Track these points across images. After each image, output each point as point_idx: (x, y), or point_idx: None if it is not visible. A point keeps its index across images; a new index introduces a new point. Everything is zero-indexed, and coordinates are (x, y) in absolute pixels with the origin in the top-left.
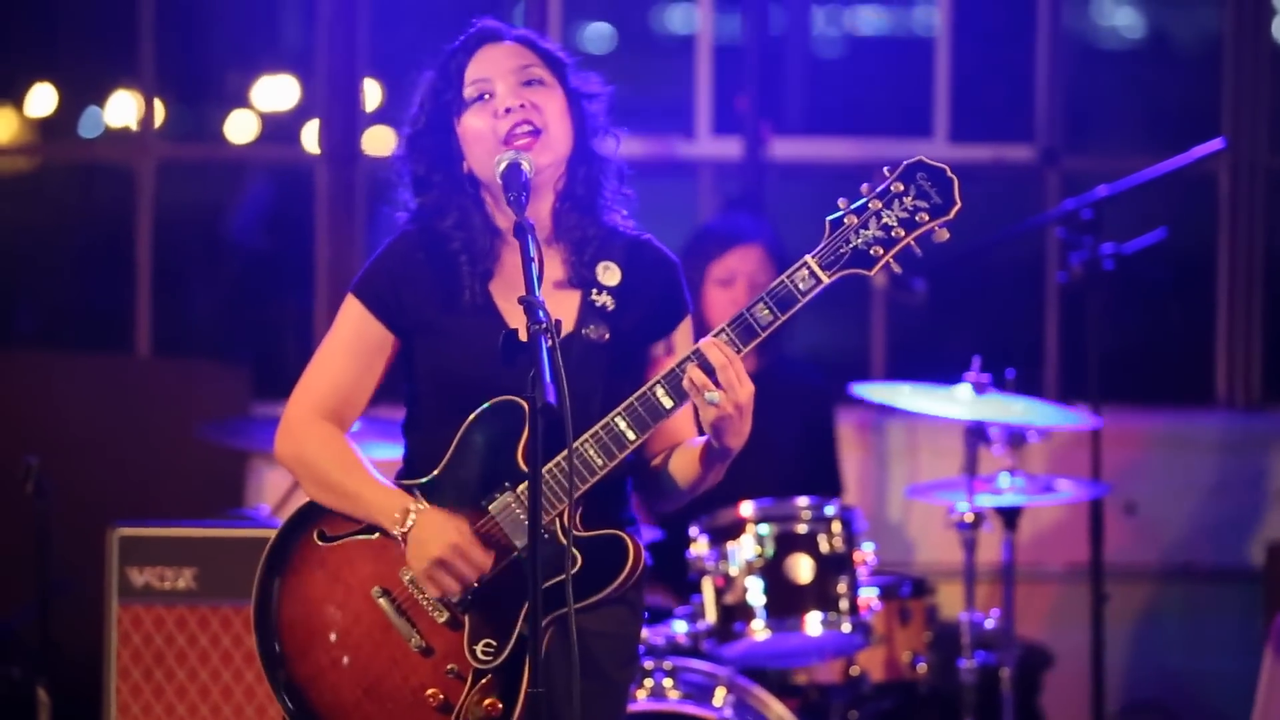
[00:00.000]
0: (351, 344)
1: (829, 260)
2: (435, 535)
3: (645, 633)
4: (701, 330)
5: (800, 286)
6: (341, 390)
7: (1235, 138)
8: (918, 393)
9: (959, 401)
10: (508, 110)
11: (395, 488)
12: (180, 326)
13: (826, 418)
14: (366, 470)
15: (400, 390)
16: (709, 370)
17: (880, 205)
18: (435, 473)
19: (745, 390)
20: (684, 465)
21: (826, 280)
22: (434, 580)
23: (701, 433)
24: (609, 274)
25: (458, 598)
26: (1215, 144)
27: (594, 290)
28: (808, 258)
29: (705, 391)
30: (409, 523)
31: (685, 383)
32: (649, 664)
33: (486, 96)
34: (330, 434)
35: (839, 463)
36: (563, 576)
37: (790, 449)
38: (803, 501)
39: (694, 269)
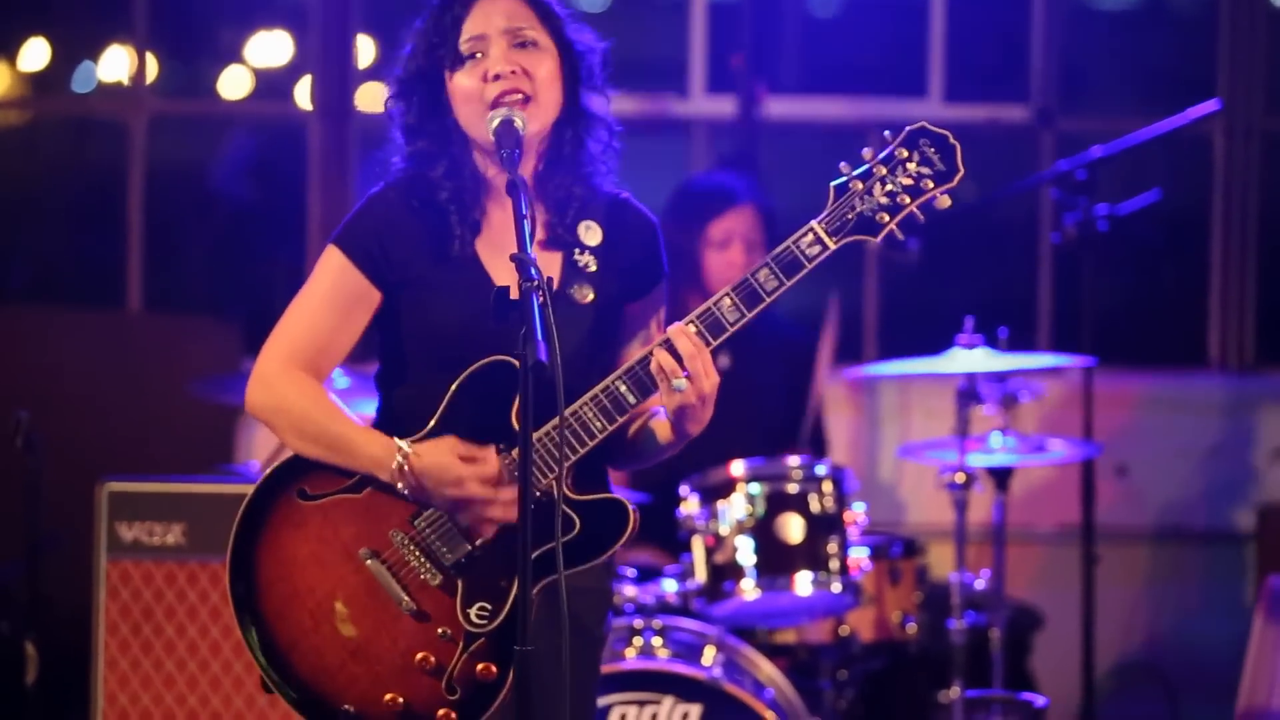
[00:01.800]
0: (331, 295)
1: (835, 226)
2: (442, 474)
3: (634, 590)
4: (694, 291)
5: (808, 253)
6: (318, 342)
7: (1230, 99)
8: (911, 365)
9: (954, 360)
10: (497, 76)
11: (381, 435)
12: (172, 282)
13: (808, 374)
14: (351, 418)
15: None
16: (678, 357)
17: (885, 171)
18: (425, 431)
19: (710, 381)
20: (660, 435)
21: (833, 246)
22: (468, 518)
23: None
24: (590, 234)
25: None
26: (1210, 105)
27: (576, 250)
28: (814, 224)
29: (673, 378)
30: (406, 474)
31: (653, 367)
32: (638, 623)
33: (478, 56)
34: (308, 383)
35: (824, 420)
36: (566, 537)
37: (775, 405)
38: (794, 461)
39: (687, 230)
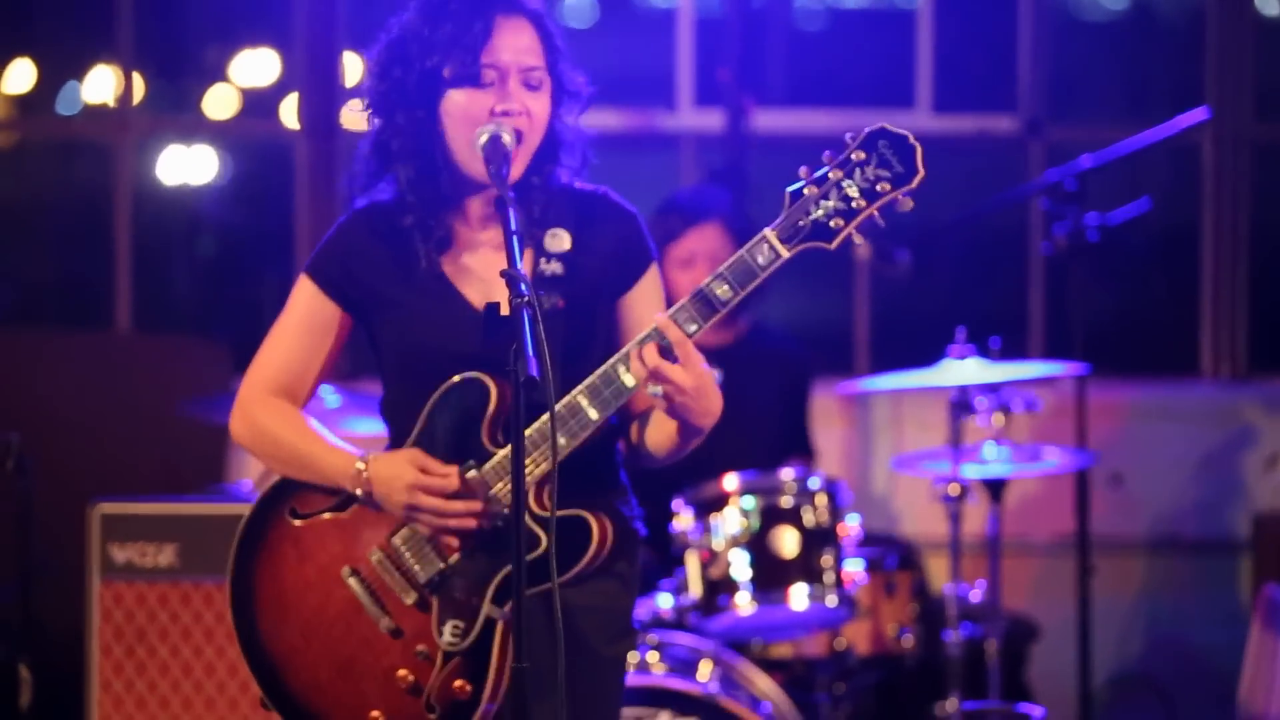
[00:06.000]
0: (302, 323)
1: (788, 234)
2: (393, 481)
3: None
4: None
5: (759, 261)
6: (293, 368)
7: (1219, 108)
8: (903, 377)
9: (946, 372)
10: (505, 113)
11: (347, 448)
12: (160, 303)
13: (803, 385)
14: (320, 435)
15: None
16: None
17: (841, 175)
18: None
19: (688, 377)
20: (660, 435)
21: (786, 254)
22: (420, 524)
23: None
24: (557, 240)
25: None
26: (1199, 114)
27: (542, 260)
28: (767, 231)
29: (649, 384)
30: (363, 479)
31: (632, 371)
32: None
33: (492, 84)
34: (282, 407)
35: (810, 428)
36: (532, 554)
37: (769, 418)
38: (787, 474)
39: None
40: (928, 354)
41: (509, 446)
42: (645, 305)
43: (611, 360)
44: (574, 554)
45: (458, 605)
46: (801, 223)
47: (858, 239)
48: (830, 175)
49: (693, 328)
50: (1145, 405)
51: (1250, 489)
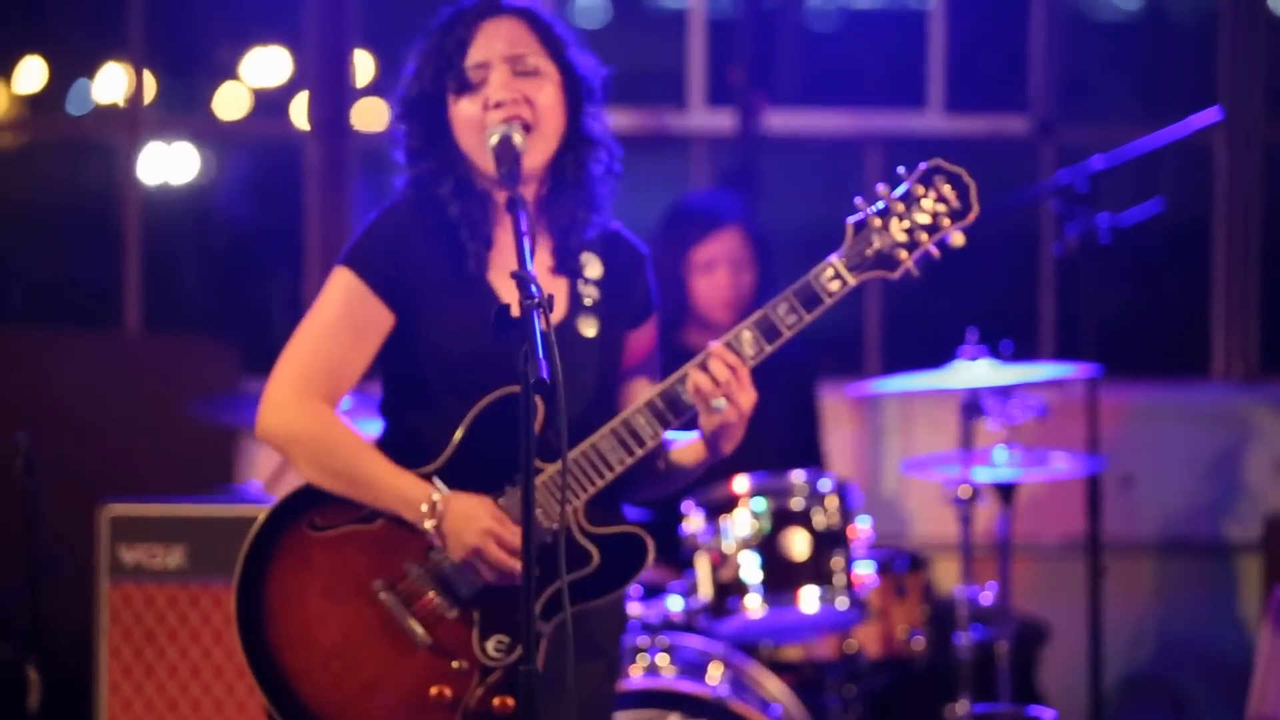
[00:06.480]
0: (343, 318)
1: (854, 262)
2: (469, 522)
3: (640, 608)
4: (684, 317)
5: (829, 288)
6: (330, 367)
7: (1232, 109)
8: (913, 379)
9: (957, 374)
10: (499, 104)
11: (411, 474)
12: (170, 303)
13: (810, 391)
14: (377, 454)
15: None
16: (715, 378)
17: (903, 208)
18: (441, 461)
19: (749, 398)
20: (688, 457)
21: (853, 282)
22: (479, 569)
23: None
24: (591, 266)
25: (503, 578)
26: (1211, 115)
27: (580, 281)
28: (834, 259)
29: (712, 399)
30: (437, 513)
31: (690, 387)
32: (644, 641)
33: (481, 83)
34: (326, 413)
35: (820, 436)
36: (577, 574)
37: (779, 423)
38: (798, 476)
39: (674, 254)
40: (938, 356)
41: (556, 463)
42: (644, 346)
43: (671, 379)
44: (629, 570)
45: (503, 619)
46: (868, 252)
47: (915, 271)
48: (892, 208)
49: (754, 350)
50: (1156, 407)
51: (1261, 491)
